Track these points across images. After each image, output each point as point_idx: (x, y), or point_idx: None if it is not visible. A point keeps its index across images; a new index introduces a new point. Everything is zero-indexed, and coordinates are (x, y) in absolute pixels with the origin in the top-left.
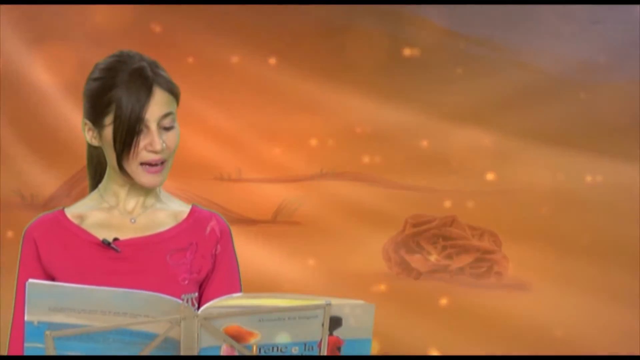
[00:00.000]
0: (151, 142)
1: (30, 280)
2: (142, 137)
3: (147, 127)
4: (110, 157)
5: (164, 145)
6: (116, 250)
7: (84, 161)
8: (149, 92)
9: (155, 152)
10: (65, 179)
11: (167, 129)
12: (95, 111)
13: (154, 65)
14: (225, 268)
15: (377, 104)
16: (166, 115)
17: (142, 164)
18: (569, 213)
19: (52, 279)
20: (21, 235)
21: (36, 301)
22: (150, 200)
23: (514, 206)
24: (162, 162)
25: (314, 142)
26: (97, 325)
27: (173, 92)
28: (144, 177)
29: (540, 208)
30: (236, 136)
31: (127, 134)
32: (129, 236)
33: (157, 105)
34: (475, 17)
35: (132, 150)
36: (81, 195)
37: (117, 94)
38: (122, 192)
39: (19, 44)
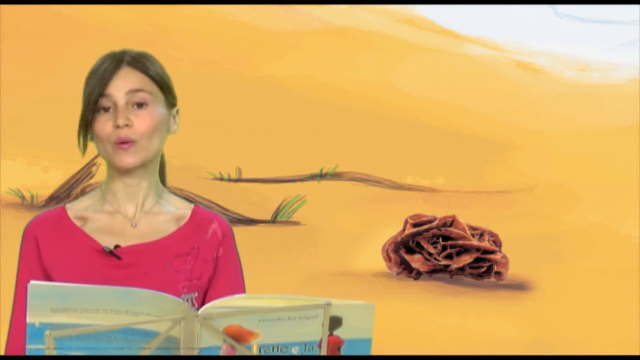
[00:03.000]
0: (115, 118)
1: (32, 281)
2: (109, 115)
3: (115, 105)
4: (98, 149)
5: (129, 122)
6: (117, 258)
7: (83, 161)
8: (114, 69)
9: (118, 126)
10: (65, 179)
11: (139, 106)
12: (83, 102)
13: (136, 54)
14: (228, 270)
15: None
16: (135, 91)
17: (115, 143)
18: (569, 212)
19: (50, 279)
20: (21, 235)
21: (38, 302)
22: (150, 202)
23: (515, 206)
24: (132, 142)
25: (314, 141)
26: (97, 324)
27: (148, 72)
28: (115, 157)
29: (541, 208)
30: (236, 136)
31: (90, 111)
32: (131, 242)
33: (123, 80)
34: (476, 17)
35: (99, 128)
36: (81, 196)
37: (89, 75)
38: (121, 192)
39: (20, 43)
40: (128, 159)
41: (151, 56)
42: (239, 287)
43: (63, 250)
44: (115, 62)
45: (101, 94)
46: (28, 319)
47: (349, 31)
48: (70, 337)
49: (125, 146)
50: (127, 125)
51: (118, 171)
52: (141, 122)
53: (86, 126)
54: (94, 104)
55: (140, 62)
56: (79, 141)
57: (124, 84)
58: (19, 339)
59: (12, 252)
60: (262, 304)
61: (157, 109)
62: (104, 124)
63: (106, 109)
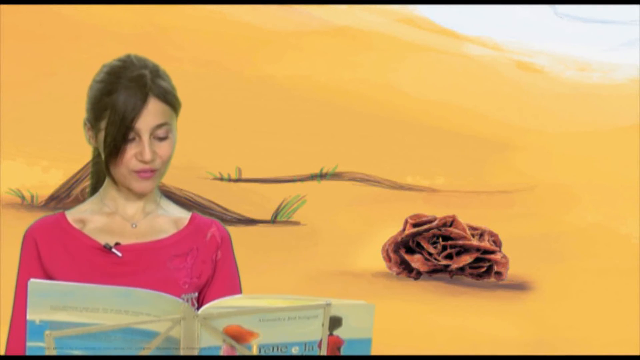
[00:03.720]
0: (141, 152)
1: (32, 279)
2: (132, 145)
3: (139, 136)
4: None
5: (155, 155)
6: (118, 255)
7: (83, 161)
8: (143, 101)
9: (144, 162)
10: (65, 179)
11: (161, 139)
12: (94, 114)
13: (155, 74)
14: (225, 273)
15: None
16: (160, 125)
17: (135, 171)
18: (569, 212)
19: (52, 280)
20: (21, 236)
21: (38, 300)
22: (150, 206)
23: (514, 205)
24: (153, 171)
25: (314, 142)
26: (97, 323)
27: (171, 103)
28: (134, 182)
29: (541, 208)
30: (236, 136)
31: (116, 141)
32: (131, 242)
33: (150, 115)
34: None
35: (118, 157)
36: (81, 195)
37: (113, 100)
38: (120, 197)
39: (20, 43)
40: (146, 186)
41: (165, 73)
42: (235, 291)
43: (63, 252)
44: (142, 93)
45: (128, 127)
46: (28, 317)
47: (349, 31)
48: (70, 337)
49: (146, 175)
50: (152, 159)
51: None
52: (163, 153)
53: (117, 153)
54: (122, 138)
55: (161, 88)
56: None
57: (150, 119)
58: (19, 342)
59: (12, 252)
60: (262, 304)
61: (174, 133)
62: (128, 154)
63: (131, 139)
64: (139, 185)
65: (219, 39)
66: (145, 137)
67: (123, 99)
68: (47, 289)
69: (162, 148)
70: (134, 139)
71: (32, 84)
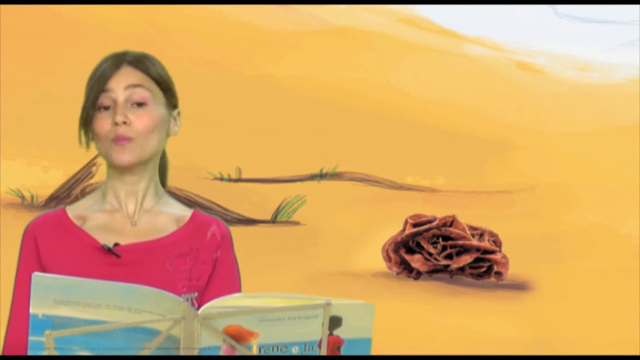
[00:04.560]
0: (114, 115)
1: (36, 273)
2: (108, 113)
3: (114, 102)
4: (98, 150)
5: (128, 119)
6: (117, 256)
7: (84, 161)
8: (114, 67)
9: (117, 124)
10: (65, 179)
11: (139, 105)
12: (84, 100)
13: (137, 54)
14: (225, 272)
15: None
16: (134, 86)
17: (113, 140)
18: (569, 212)
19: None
20: (21, 235)
21: (41, 294)
22: (149, 201)
23: (515, 205)
24: (129, 139)
25: (314, 141)
26: (99, 319)
27: (148, 72)
28: (113, 154)
29: (541, 208)
30: (236, 136)
31: (90, 107)
32: (130, 240)
33: (122, 77)
34: (475, 17)
35: (98, 125)
36: (81, 196)
37: (89, 78)
38: (121, 191)
39: (20, 43)
40: (124, 156)
41: (153, 57)
42: (235, 289)
43: (62, 250)
44: (116, 61)
45: (101, 90)
46: (31, 310)
47: (349, 31)
48: (70, 335)
49: (122, 142)
50: (124, 122)
51: (117, 169)
52: (140, 121)
53: (86, 123)
54: (93, 100)
55: (141, 62)
56: (79, 138)
57: (123, 79)
58: (18, 339)
59: (12, 252)
60: (262, 303)
61: (157, 108)
62: (103, 122)
63: (106, 108)
64: (117, 156)
65: (219, 39)
66: (120, 99)
67: (100, 67)
68: (50, 283)
69: (139, 115)
70: (109, 107)
71: (32, 84)
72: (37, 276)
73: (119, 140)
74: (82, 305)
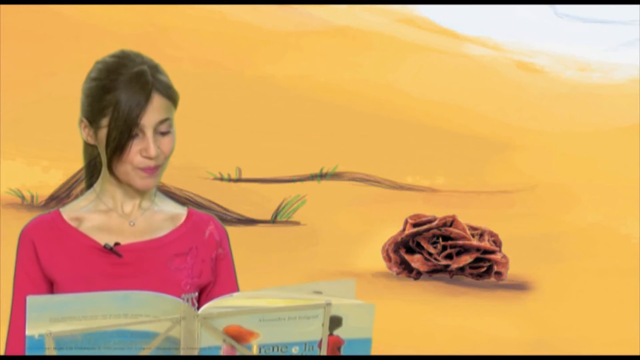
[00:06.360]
0: (146, 148)
1: (30, 295)
2: (136, 141)
3: (143, 132)
4: (104, 157)
5: (159, 151)
6: (118, 256)
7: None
8: (147, 98)
9: (150, 158)
10: (65, 179)
11: (163, 134)
12: (93, 111)
13: (154, 69)
14: (223, 271)
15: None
16: (163, 121)
17: (141, 169)
18: (569, 212)
19: (52, 281)
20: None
21: (37, 315)
22: (146, 202)
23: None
24: (157, 167)
25: (314, 142)
26: (97, 324)
27: (171, 97)
28: (138, 179)
29: (541, 208)
30: (236, 136)
31: (121, 138)
32: (129, 240)
33: (154, 111)
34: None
35: (124, 154)
36: (81, 195)
37: (116, 97)
38: (118, 193)
39: (20, 43)
40: (150, 183)
41: (161, 67)
42: (233, 288)
43: (61, 252)
44: (145, 90)
45: (135, 125)
46: (27, 332)
47: (349, 31)
48: (71, 345)
49: (151, 171)
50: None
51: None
52: (165, 148)
53: (122, 150)
54: (129, 133)
55: (163, 83)
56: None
57: (154, 115)
58: (18, 344)
59: (12, 252)
60: (262, 303)
61: (174, 127)
62: (132, 151)
63: (134, 136)
64: (143, 182)
65: (219, 39)
66: (150, 133)
67: (127, 97)
68: (45, 303)
69: (164, 143)
70: (137, 135)
71: (32, 84)
72: (31, 299)
73: (148, 170)
74: (78, 318)
